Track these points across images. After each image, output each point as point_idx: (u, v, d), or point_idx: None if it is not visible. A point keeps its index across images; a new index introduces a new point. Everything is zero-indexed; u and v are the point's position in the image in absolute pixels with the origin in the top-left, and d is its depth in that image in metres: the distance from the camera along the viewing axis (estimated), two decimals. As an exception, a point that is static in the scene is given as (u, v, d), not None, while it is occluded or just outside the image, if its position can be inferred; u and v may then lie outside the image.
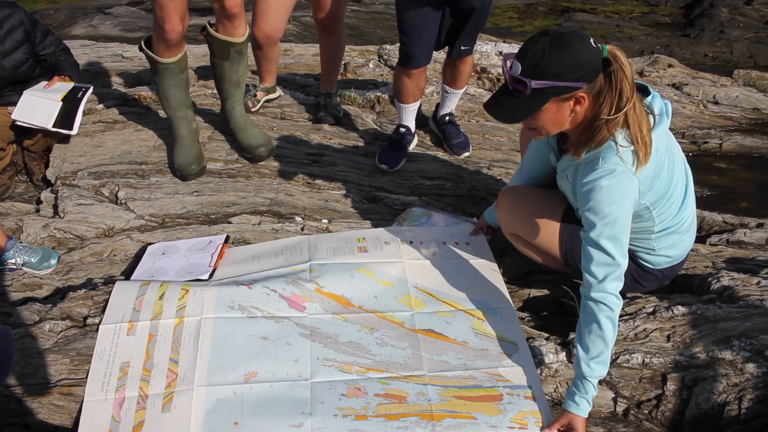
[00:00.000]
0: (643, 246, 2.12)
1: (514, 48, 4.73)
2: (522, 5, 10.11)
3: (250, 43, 3.04)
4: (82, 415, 1.94)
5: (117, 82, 3.95)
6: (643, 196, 1.90)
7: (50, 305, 2.38)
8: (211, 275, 2.47)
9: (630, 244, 1.99)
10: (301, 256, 2.51)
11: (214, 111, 3.49)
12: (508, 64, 1.81)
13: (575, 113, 1.82)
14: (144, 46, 2.80)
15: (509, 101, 1.84)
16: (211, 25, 2.89)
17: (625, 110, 1.76)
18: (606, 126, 1.80)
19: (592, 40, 1.74)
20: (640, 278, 2.18)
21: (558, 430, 1.89)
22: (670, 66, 4.59)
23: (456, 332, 2.22)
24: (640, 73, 4.47)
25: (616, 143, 1.81)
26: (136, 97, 3.65)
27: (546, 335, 2.23)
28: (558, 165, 2.10)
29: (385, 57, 4.39)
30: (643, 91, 1.91)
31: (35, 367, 2.12)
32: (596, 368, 1.82)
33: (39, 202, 3.11)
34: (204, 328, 2.15)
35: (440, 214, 2.83)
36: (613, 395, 2.04)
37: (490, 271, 2.49)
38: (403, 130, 3.20)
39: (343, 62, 4.32)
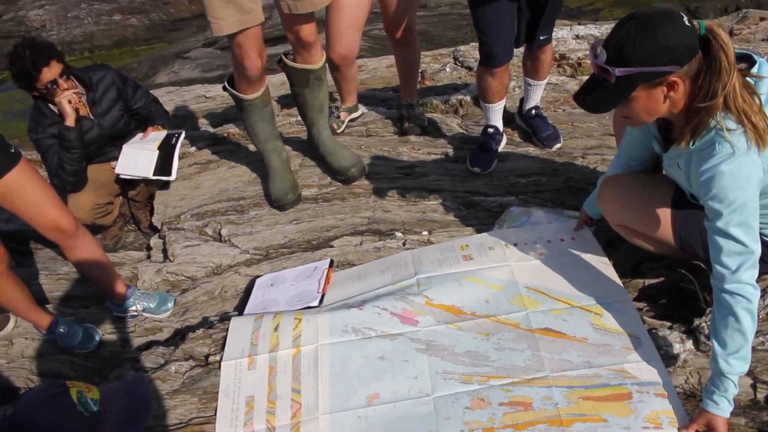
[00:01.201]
0: (765, 222, 1.95)
1: (590, 29, 4.56)
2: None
3: (327, 66, 3.06)
4: (216, 453, 1.98)
5: (204, 123, 4.08)
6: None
7: (173, 347, 2.46)
8: (320, 301, 2.48)
9: None
10: (407, 271, 2.49)
11: (301, 138, 3.53)
12: (596, 51, 1.73)
13: (671, 99, 1.70)
14: (227, 86, 2.87)
15: (597, 91, 1.76)
16: (286, 55, 2.92)
17: (722, 95, 1.63)
18: (707, 111, 1.68)
19: (685, 19, 1.62)
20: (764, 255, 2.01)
21: (697, 430, 1.76)
22: (762, 19, 4.27)
23: (575, 329, 2.13)
24: (730, 33, 4.19)
25: (723, 128, 1.67)
26: (225, 135, 3.76)
27: (668, 324, 2.10)
28: (665, 155, 1.97)
29: (460, 59, 4.33)
30: (747, 60, 1.75)
31: (167, 409, 2.19)
32: (736, 364, 1.69)
33: (149, 248, 3.24)
34: (321, 355, 2.16)
35: (540, 210, 2.74)
36: (752, 381, 1.89)
37: (600, 264, 2.37)
38: (491, 130, 3.13)
39: (419, 70, 4.30)
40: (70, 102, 3.02)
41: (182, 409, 2.18)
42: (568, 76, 3.84)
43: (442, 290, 2.35)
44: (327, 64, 3.24)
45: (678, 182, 2.01)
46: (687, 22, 1.62)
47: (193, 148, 3.69)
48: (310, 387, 2.08)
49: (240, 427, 2.04)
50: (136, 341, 2.71)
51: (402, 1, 3.08)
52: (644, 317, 2.17)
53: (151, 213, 3.38)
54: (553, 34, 4.12)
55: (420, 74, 4.25)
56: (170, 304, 2.83)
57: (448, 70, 4.17)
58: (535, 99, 3.24)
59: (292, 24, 2.70)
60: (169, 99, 4.99)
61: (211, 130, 3.91)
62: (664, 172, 2.08)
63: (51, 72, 2.97)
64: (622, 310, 2.17)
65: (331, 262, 2.69)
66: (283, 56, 2.94)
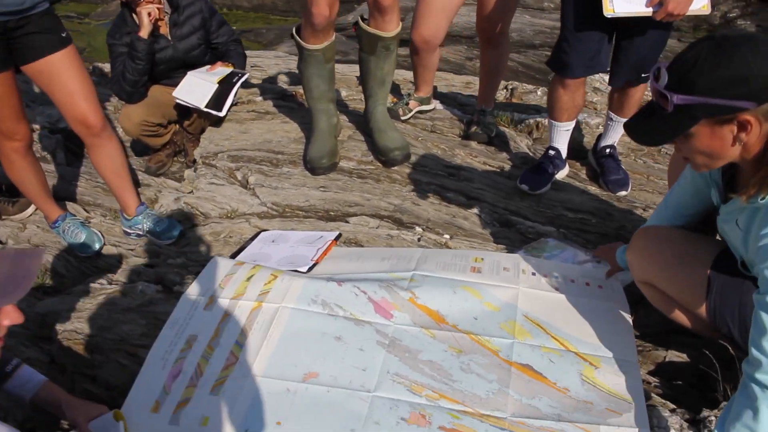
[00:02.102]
0: None
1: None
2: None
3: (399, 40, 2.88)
4: (138, 378, 1.85)
5: (283, 80, 4.03)
6: None
7: (151, 268, 2.36)
8: (310, 269, 2.32)
9: None
10: (408, 264, 2.28)
11: (362, 113, 3.39)
12: (659, 73, 1.44)
13: (741, 142, 1.39)
14: (295, 33, 2.77)
15: (651, 120, 1.48)
16: (363, 18, 2.79)
17: None
18: None
19: None
20: None
21: None
22: None
23: (559, 375, 1.84)
24: None
25: None
26: (294, 93, 3.68)
27: (672, 406, 1.78)
28: (723, 207, 1.65)
29: (557, 84, 4.06)
30: None
31: (114, 323, 2.09)
32: None
33: (182, 179, 3.20)
34: (279, 317, 1.99)
35: (576, 250, 2.45)
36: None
37: (619, 317, 2.07)
38: (552, 152, 2.86)
39: (510, 86, 4.07)
40: (149, 14, 3.04)
41: (127, 327, 2.08)
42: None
43: (433, 292, 2.13)
44: (409, 47, 3.10)
45: (730, 243, 1.69)
46: None
47: (260, 98, 3.64)
48: (253, 345, 1.91)
49: (170, 363, 1.90)
50: (132, 260, 2.64)
51: (500, 0, 2.87)
52: (649, 391, 1.85)
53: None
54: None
55: (510, 90, 4.02)
56: (175, 233, 2.75)
57: (539, 93, 3.91)
58: (614, 137, 2.94)
59: None
60: (275, 63, 4.97)
61: (284, 86, 3.85)
62: (718, 229, 1.76)
63: None
64: (623, 371, 1.87)
65: (339, 235, 2.52)
66: (360, 18, 2.81)
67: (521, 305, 2.09)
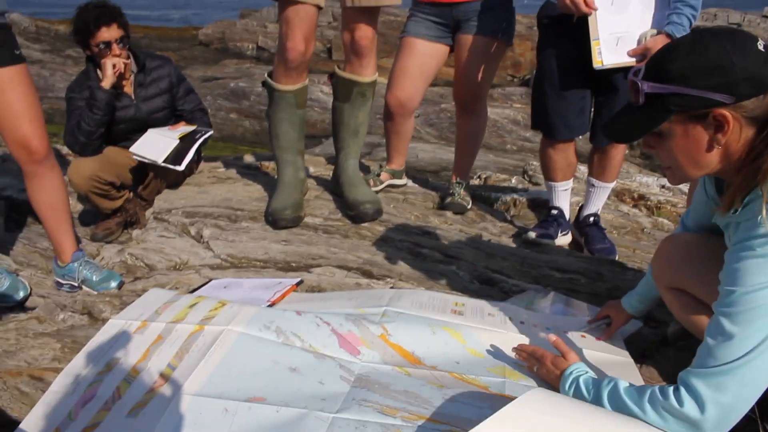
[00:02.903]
0: None
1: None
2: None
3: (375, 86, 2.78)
4: (37, 405, 1.47)
5: (249, 159, 3.85)
6: None
7: (77, 299, 2.02)
8: (265, 310, 2.00)
9: None
10: (379, 301, 1.98)
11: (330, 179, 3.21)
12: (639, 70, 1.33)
13: (718, 145, 1.24)
14: (267, 76, 2.63)
15: (625, 115, 1.36)
16: (339, 66, 2.69)
17: None
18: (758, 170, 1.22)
19: (761, 45, 1.21)
20: None
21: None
22: None
23: None
24: None
25: (762, 196, 1.22)
26: (259, 165, 3.50)
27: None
28: (718, 221, 1.46)
29: (530, 173, 3.97)
30: None
31: (20, 348, 1.72)
32: None
33: (130, 240, 2.90)
34: (223, 339, 1.65)
35: (570, 301, 2.19)
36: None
37: (626, 367, 1.77)
38: (555, 212, 2.73)
39: (484, 175, 3.97)
40: (114, 66, 2.92)
41: (36, 352, 1.71)
42: (643, 213, 3.37)
43: (408, 331, 1.81)
44: (383, 111, 2.99)
45: None
46: (762, 48, 1.20)
47: (223, 169, 3.43)
48: (187, 366, 1.55)
49: (82, 387, 1.53)
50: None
51: (478, 63, 2.81)
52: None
53: (152, 212, 3.07)
54: (637, 178, 3.74)
55: (483, 179, 3.91)
56: (113, 284, 2.41)
57: (513, 181, 3.80)
58: (597, 204, 2.79)
59: (350, 21, 2.49)
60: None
61: (250, 160, 3.67)
62: None
63: (109, 33, 2.92)
64: None
65: (300, 281, 2.23)
66: (336, 67, 2.70)
67: (510, 352, 1.78)
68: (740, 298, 1.22)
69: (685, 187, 3.00)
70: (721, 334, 1.24)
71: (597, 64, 2.37)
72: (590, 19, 2.35)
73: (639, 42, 2.34)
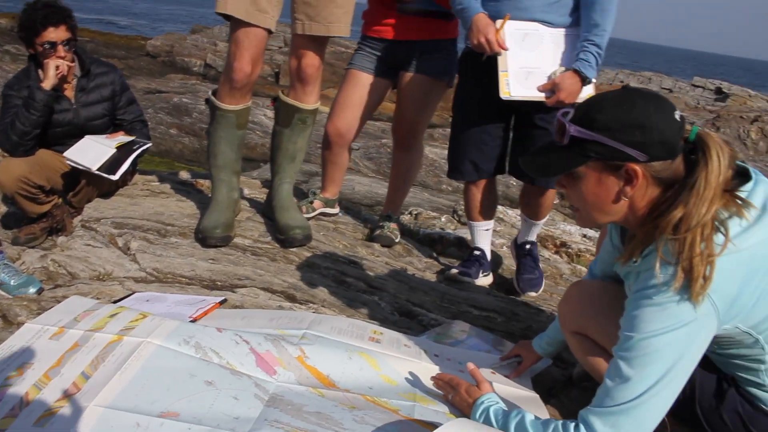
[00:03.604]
0: (751, 379, 1.50)
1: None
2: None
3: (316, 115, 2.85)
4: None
5: (185, 176, 3.85)
6: (728, 321, 1.35)
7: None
8: (186, 325, 2.01)
9: (736, 372, 1.50)
10: (299, 324, 2.03)
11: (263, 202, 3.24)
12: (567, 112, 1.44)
13: (625, 196, 1.37)
14: (211, 94, 2.67)
15: (545, 152, 1.46)
16: (283, 91, 2.76)
17: (693, 230, 1.28)
18: (657, 227, 1.35)
19: (677, 114, 1.34)
20: (750, 421, 1.52)
21: None
22: None
23: None
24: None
25: (657, 251, 1.33)
26: (194, 182, 3.50)
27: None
28: (619, 270, 1.58)
29: (459, 213, 4.10)
30: (742, 175, 1.39)
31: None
32: None
33: (54, 247, 2.85)
34: (141, 352, 1.66)
35: (486, 335, 2.30)
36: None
37: (533, 402, 1.88)
38: (477, 252, 2.80)
39: (414, 212, 4.08)
40: (57, 68, 2.88)
41: (-58, 354, 1.67)
42: (564, 261, 3.53)
43: (325, 355, 1.87)
44: (322, 140, 3.06)
45: None
46: (678, 117, 1.34)
47: (157, 182, 3.43)
48: (102, 377, 1.56)
49: (-10, 390, 1.51)
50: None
51: (418, 101, 2.93)
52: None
53: (80, 220, 3.03)
54: (562, 225, 3.92)
55: (414, 215, 4.02)
56: (32, 290, 2.36)
57: (443, 219, 3.92)
58: (531, 235, 2.89)
59: (299, 47, 2.57)
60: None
61: (186, 176, 3.67)
62: None
63: (56, 34, 2.89)
64: None
65: (224, 300, 2.25)
66: (280, 92, 2.77)
67: (424, 381, 1.86)
68: (637, 344, 1.33)
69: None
70: (618, 376, 1.34)
71: (504, 94, 2.41)
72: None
73: (549, 78, 2.41)
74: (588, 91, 2.40)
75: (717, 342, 1.42)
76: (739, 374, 1.51)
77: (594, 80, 2.40)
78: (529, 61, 2.41)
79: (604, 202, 1.40)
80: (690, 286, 1.27)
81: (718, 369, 1.56)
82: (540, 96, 2.41)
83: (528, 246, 2.90)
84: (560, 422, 1.41)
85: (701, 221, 1.27)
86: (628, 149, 1.31)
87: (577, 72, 2.36)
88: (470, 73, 2.63)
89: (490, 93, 2.44)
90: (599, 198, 1.40)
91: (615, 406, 1.33)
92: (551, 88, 2.39)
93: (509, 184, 6.66)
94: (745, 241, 1.30)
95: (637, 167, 1.32)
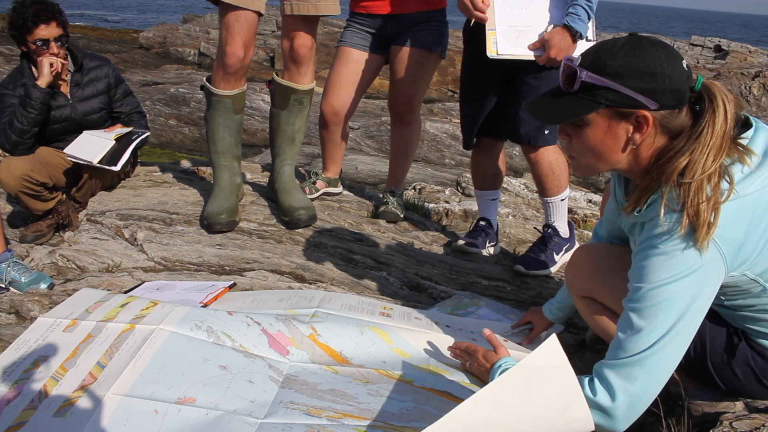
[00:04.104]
0: (761, 330, 1.50)
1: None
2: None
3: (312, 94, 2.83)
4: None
5: (186, 165, 3.85)
6: (735, 267, 1.35)
7: (4, 298, 2.00)
8: (197, 311, 2.02)
9: (745, 325, 1.49)
10: (309, 303, 2.04)
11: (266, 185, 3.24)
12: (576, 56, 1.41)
13: (633, 144, 1.36)
14: (205, 80, 2.66)
15: (554, 98, 1.42)
16: (278, 73, 2.75)
17: (699, 177, 1.28)
18: (662, 174, 1.34)
19: (685, 63, 1.33)
20: (762, 373, 1.52)
21: None
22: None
23: None
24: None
25: (663, 198, 1.33)
26: (196, 170, 3.50)
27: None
28: (624, 224, 1.58)
29: (463, 185, 4.10)
30: (743, 125, 1.39)
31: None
32: None
33: (61, 243, 2.86)
34: (154, 339, 1.67)
35: (496, 305, 2.30)
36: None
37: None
38: (483, 223, 2.78)
39: (418, 186, 4.07)
40: (51, 65, 2.88)
41: (-43, 351, 1.68)
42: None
43: (337, 332, 1.88)
44: (318, 119, 3.05)
45: None
46: (685, 66, 1.33)
47: (159, 173, 3.43)
48: (117, 365, 1.58)
49: (7, 386, 1.53)
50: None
51: (412, 74, 2.91)
52: None
53: (86, 214, 3.04)
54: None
55: (418, 190, 4.02)
56: (43, 286, 2.38)
57: (447, 192, 3.92)
58: (549, 217, 2.74)
59: (290, 29, 2.55)
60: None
61: (187, 165, 3.67)
62: None
63: (47, 31, 2.88)
64: None
65: (233, 284, 2.26)
66: (274, 74, 2.75)
67: (436, 353, 1.87)
68: (646, 294, 1.32)
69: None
70: (630, 328, 1.34)
71: (491, 53, 2.37)
72: (488, 11, 2.36)
73: (540, 36, 2.36)
74: (582, 48, 2.36)
75: (725, 292, 1.42)
76: (749, 326, 1.50)
77: (588, 37, 2.35)
78: (520, 19, 2.36)
79: (612, 150, 1.38)
80: (695, 233, 1.27)
81: (728, 324, 1.56)
82: (529, 54, 2.36)
83: (548, 229, 2.75)
84: (576, 377, 1.41)
85: (708, 170, 1.27)
86: (639, 96, 1.30)
87: (566, 27, 2.30)
88: (473, 41, 2.57)
89: (477, 63, 2.40)
90: (606, 146, 1.38)
91: (628, 358, 1.33)
92: (541, 45, 2.34)
93: (512, 154, 6.63)
94: (748, 186, 1.29)
95: (648, 114, 1.31)
